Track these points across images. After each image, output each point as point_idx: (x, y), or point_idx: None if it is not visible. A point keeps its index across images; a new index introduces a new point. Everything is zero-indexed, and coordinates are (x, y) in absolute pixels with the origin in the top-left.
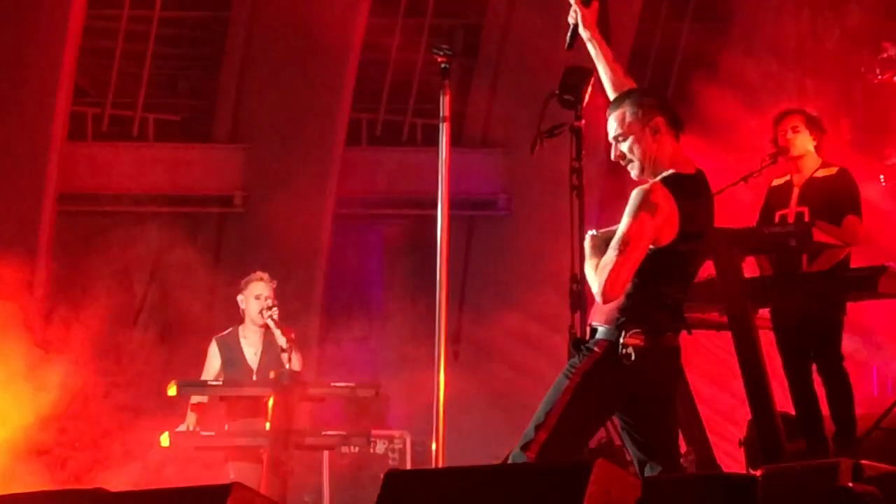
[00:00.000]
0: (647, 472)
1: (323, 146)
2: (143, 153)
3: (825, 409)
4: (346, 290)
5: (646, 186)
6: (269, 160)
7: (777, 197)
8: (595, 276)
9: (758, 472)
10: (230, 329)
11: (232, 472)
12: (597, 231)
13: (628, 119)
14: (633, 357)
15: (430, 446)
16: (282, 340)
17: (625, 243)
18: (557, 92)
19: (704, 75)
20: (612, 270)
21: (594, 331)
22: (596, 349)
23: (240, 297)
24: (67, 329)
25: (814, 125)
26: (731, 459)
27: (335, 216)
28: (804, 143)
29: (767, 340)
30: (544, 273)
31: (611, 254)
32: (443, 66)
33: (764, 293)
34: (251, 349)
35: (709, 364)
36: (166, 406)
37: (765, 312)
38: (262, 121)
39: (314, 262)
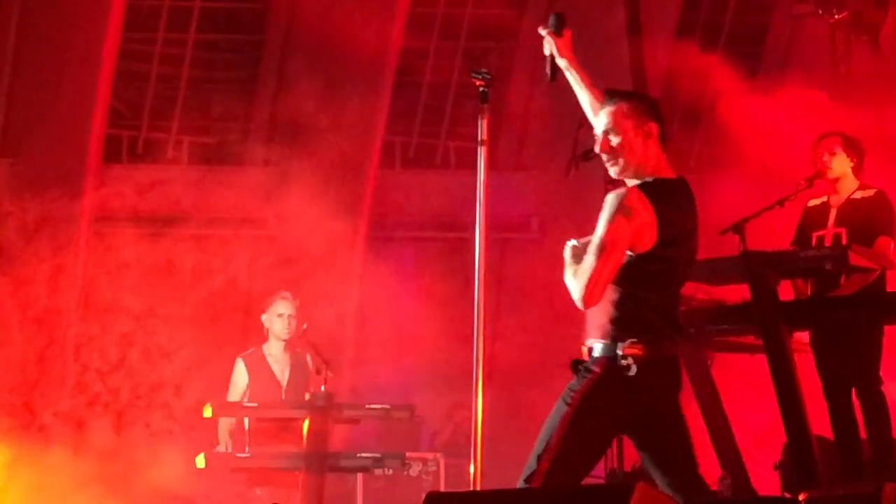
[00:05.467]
0: (667, 491)
1: (356, 168)
2: (177, 175)
3: (863, 433)
4: (378, 313)
5: (620, 191)
6: (302, 182)
7: (813, 217)
8: (574, 281)
9: (801, 497)
10: (253, 349)
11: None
12: (577, 241)
13: (625, 116)
14: (633, 369)
15: (464, 468)
16: (317, 362)
17: (601, 248)
18: None
19: (737, 99)
20: (591, 275)
21: (591, 349)
22: (594, 368)
23: (264, 317)
24: (100, 350)
25: (851, 147)
26: (766, 482)
27: (368, 238)
28: (841, 165)
29: (805, 363)
30: None
31: (589, 259)
32: (480, 89)
33: (799, 316)
34: (277, 365)
35: (743, 387)
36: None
37: (800, 336)
38: (296, 143)
39: (347, 284)
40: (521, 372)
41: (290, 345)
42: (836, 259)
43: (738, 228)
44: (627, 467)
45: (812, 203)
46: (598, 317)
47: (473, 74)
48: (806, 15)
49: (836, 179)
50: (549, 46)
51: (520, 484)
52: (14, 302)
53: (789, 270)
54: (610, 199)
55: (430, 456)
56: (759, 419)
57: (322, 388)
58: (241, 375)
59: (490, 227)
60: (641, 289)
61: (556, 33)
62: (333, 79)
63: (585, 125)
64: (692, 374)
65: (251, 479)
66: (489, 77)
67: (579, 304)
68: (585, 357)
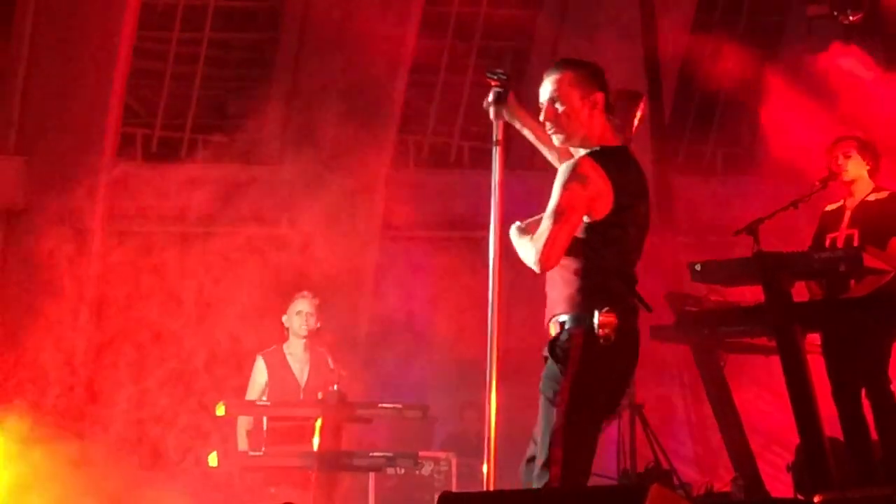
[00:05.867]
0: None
1: (370, 167)
2: (191, 174)
3: (874, 435)
4: (392, 312)
5: (574, 160)
6: (316, 181)
7: (829, 221)
8: (530, 245)
9: (815, 499)
10: (274, 346)
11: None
12: (522, 223)
13: (570, 85)
14: (612, 337)
15: (475, 468)
16: (329, 361)
17: (559, 213)
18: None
19: (749, 106)
20: (548, 238)
21: (562, 324)
22: (571, 350)
23: (284, 318)
24: (115, 352)
25: (867, 150)
26: (779, 484)
27: (382, 237)
28: (857, 168)
29: (817, 364)
30: None
31: (546, 223)
32: (496, 89)
33: (813, 318)
34: (297, 364)
35: (756, 388)
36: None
37: (813, 338)
38: (311, 142)
39: (361, 284)
40: (534, 372)
41: (310, 344)
42: (850, 261)
43: (751, 229)
44: (640, 468)
45: (829, 208)
46: (563, 290)
47: (489, 74)
48: (820, 17)
49: (852, 182)
50: (495, 112)
51: None
52: (24, 300)
53: (803, 272)
54: (564, 169)
55: (441, 455)
56: (771, 420)
57: (335, 387)
58: (260, 373)
59: (504, 226)
60: (601, 256)
61: (501, 100)
62: (347, 77)
63: None
64: (705, 375)
65: (266, 477)
66: (505, 77)
67: (535, 266)
68: (555, 334)
